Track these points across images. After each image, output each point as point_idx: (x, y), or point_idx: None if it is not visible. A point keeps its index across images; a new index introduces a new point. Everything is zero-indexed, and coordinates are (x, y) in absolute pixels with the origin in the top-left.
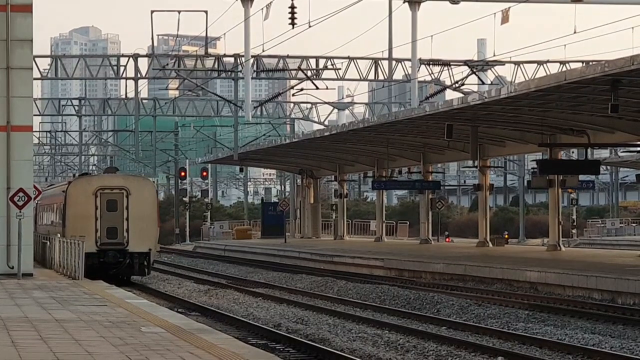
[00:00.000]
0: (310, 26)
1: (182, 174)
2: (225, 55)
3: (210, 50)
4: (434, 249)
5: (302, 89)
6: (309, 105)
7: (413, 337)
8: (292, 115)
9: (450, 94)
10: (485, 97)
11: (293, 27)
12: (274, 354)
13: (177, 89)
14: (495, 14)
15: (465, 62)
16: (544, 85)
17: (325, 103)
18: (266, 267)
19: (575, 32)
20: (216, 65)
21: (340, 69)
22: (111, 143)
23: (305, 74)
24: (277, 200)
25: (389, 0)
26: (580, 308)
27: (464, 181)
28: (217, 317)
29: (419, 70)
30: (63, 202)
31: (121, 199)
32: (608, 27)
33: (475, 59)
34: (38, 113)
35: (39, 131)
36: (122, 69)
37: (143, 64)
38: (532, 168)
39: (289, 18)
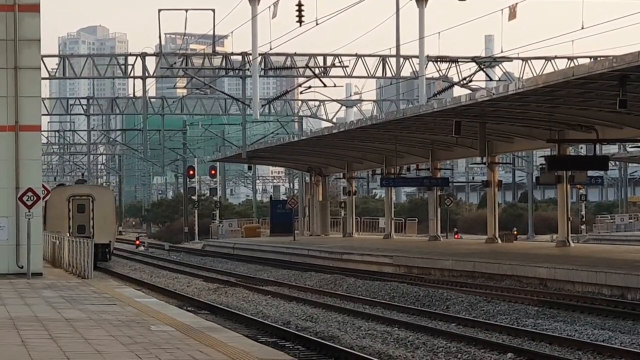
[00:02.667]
0: (317, 24)
1: (191, 172)
2: (232, 54)
3: (217, 49)
4: (443, 245)
5: (309, 87)
6: (316, 103)
7: (422, 334)
8: (300, 113)
9: (458, 91)
10: (493, 94)
11: (300, 25)
12: (283, 352)
13: (185, 87)
14: (502, 10)
15: (473, 59)
16: (552, 81)
17: (333, 100)
18: (275, 265)
19: (582, 28)
20: (224, 64)
21: (347, 66)
22: (119, 142)
23: (313, 72)
24: (285, 198)
25: None
26: (590, 304)
27: (473, 178)
28: (227, 316)
29: (426, 67)
30: (44, 206)
31: (88, 204)
32: (616, 23)
33: (483, 55)
34: (46, 113)
35: (48, 131)
36: (129, 68)
37: (151, 62)
38: (541, 164)
39: (296, 16)
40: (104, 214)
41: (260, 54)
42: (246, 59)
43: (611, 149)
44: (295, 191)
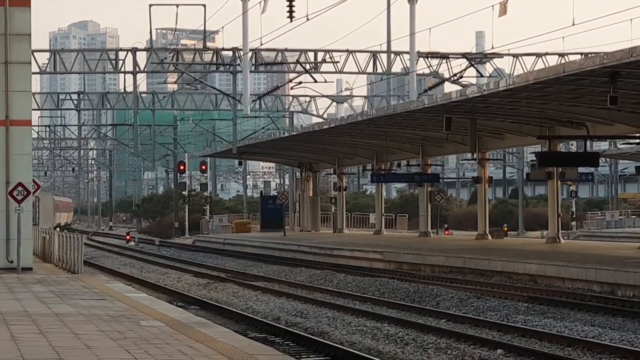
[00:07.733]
0: (308, 19)
1: (181, 167)
2: (223, 49)
3: (208, 44)
4: (433, 241)
5: (300, 82)
6: (307, 99)
7: (412, 329)
8: (291, 109)
9: (448, 87)
10: (484, 90)
11: (291, 21)
12: (273, 347)
13: (175, 82)
14: (493, 6)
15: (464, 55)
16: (543, 78)
17: (324, 96)
18: (265, 260)
19: (573, 24)
20: (215, 59)
21: (338, 62)
22: (110, 137)
23: (304, 67)
24: (276, 194)
25: None
26: (580, 300)
27: (463, 174)
28: (217, 311)
29: (417, 63)
30: None
31: (36, 203)
32: (606, 19)
33: (474, 51)
34: (37, 107)
35: (38, 125)
36: (120, 63)
37: (141, 57)
38: (531, 160)
39: (287, 11)
40: (46, 210)
41: (250, 50)
42: (237, 55)
43: (602, 146)
44: (286, 187)
